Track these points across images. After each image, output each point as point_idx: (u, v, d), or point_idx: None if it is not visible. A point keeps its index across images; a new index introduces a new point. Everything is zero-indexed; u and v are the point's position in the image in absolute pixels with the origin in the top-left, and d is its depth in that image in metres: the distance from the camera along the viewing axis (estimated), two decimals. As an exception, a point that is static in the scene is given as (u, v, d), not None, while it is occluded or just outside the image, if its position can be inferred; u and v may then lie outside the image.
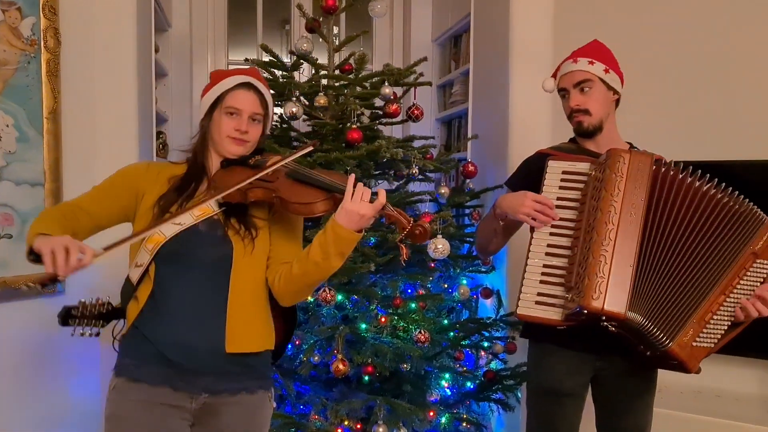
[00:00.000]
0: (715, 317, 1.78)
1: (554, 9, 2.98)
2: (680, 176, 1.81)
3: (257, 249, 1.67)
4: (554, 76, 2.07)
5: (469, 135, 3.26)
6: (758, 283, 1.80)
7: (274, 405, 1.84)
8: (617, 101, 2.03)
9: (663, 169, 1.81)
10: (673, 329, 1.75)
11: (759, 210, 1.82)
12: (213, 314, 1.63)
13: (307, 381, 2.51)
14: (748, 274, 1.79)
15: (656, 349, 1.77)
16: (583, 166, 1.89)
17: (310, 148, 1.78)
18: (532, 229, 1.92)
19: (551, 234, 1.87)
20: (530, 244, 1.90)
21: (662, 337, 1.75)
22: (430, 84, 2.97)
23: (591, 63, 1.96)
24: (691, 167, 1.82)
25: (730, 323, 1.80)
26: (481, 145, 3.19)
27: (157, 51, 3.37)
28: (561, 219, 1.87)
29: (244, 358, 1.65)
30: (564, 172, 1.90)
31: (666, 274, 1.78)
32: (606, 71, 1.96)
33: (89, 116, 2.62)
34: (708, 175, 1.83)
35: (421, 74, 2.86)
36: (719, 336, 1.79)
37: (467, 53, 3.48)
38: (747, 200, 1.82)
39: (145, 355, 1.62)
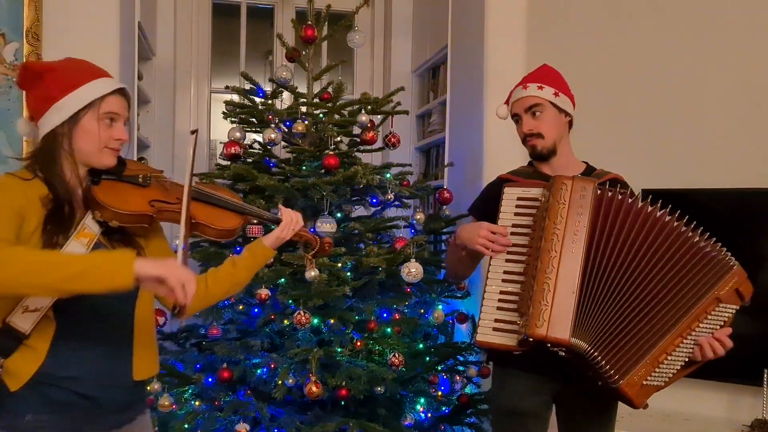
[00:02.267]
0: (669, 357, 1.78)
1: (527, 41, 3.08)
2: (628, 201, 1.81)
3: None
4: (507, 102, 2.13)
5: (446, 163, 3.33)
6: (718, 327, 1.80)
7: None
8: (570, 123, 2.09)
9: (609, 194, 1.82)
10: (625, 367, 1.76)
11: (728, 254, 1.82)
12: (121, 345, 1.54)
13: (282, 404, 2.52)
14: (709, 317, 1.79)
15: (606, 383, 1.79)
16: (536, 192, 1.91)
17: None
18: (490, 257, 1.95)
19: (507, 261, 1.89)
20: (488, 271, 1.93)
21: (613, 374, 1.76)
22: (406, 113, 3.04)
23: (540, 88, 2.01)
24: (641, 192, 1.85)
25: (684, 363, 1.81)
26: (458, 173, 3.26)
27: (140, 78, 3.43)
28: (516, 245, 1.89)
29: (142, 385, 1.61)
30: (519, 198, 1.93)
31: (614, 301, 1.78)
32: (556, 95, 2.01)
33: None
34: (650, 197, 1.84)
35: (399, 103, 2.93)
36: (671, 375, 1.80)
37: (445, 84, 3.57)
38: (715, 241, 1.82)
39: (54, 406, 1.44)
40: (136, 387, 1.58)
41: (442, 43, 3.57)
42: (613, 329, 1.77)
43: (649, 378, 1.78)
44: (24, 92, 1.53)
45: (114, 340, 1.52)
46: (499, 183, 2.07)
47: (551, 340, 1.73)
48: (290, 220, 1.69)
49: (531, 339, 1.74)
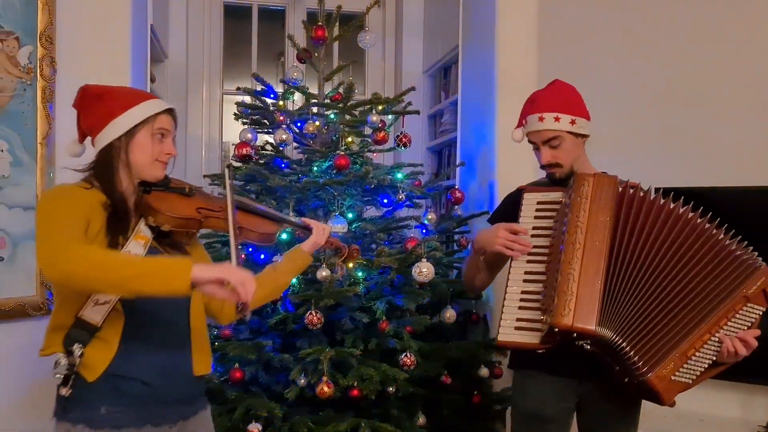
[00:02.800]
0: (697, 354, 1.77)
1: (538, 41, 3.07)
2: (650, 197, 1.83)
3: None
4: (520, 124, 2.11)
5: (457, 162, 3.32)
6: (745, 327, 1.80)
7: None
8: (586, 138, 2.07)
9: (630, 191, 1.84)
10: (654, 359, 1.75)
11: (755, 254, 1.82)
12: (180, 339, 1.65)
13: (293, 404, 2.52)
14: (737, 316, 1.78)
15: (634, 377, 1.78)
16: (556, 195, 1.95)
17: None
18: (511, 259, 1.95)
19: (528, 261, 1.91)
20: (509, 272, 1.94)
21: (641, 366, 1.75)
22: (418, 112, 3.04)
23: (557, 119, 1.97)
24: (662, 190, 1.85)
25: (711, 362, 1.80)
26: (469, 173, 3.25)
27: (153, 81, 3.45)
28: (537, 246, 1.90)
29: (202, 379, 1.72)
30: (538, 203, 1.96)
31: (640, 293, 1.78)
32: (572, 123, 1.98)
33: (71, 156, 2.66)
34: (672, 194, 1.84)
35: (410, 103, 2.93)
36: (698, 373, 1.79)
37: (456, 84, 3.56)
38: (740, 240, 1.83)
39: (125, 399, 1.54)
40: (197, 381, 1.69)
41: (453, 43, 3.57)
42: (639, 321, 1.77)
43: (677, 373, 1.77)
44: (77, 113, 1.67)
45: (174, 338, 1.64)
46: (518, 193, 2.08)
47: (577, 329, 1.71)
48: (321, 227, 1.91)
49: (557, 329, 1.73)
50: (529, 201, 1.98)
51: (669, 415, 2.60)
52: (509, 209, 2.07)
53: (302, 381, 2.39)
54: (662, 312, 1.78)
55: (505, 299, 1.90)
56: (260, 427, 2.41)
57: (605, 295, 1.76)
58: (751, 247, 1.84)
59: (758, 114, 2.64)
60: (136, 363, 1.55)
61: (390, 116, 2.92)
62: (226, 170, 1.75)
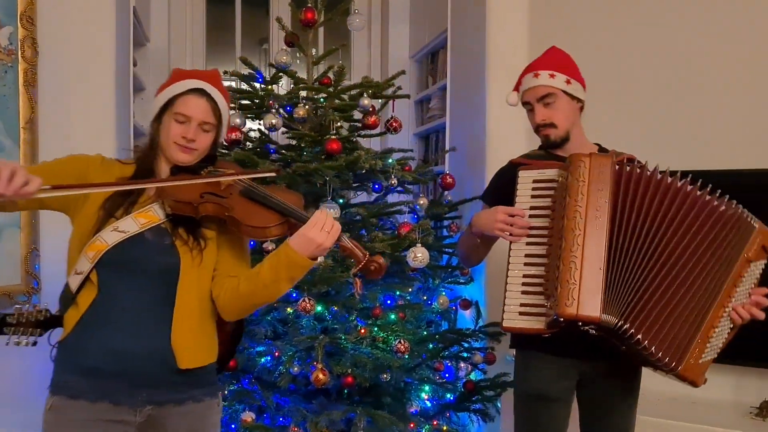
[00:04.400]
0: (716, 330, 1.77)
1: (529, 23, 3.05)
2: (647, 174, 1.81)
3: (205, 261, 1.62)
4: (516, 89, 2.09)
5: (447, 148, 3.29)
6: (753, 286, 1.80)
7: (222, 407, 1.81)
8: (581, 108, 2.06)
9: (627, 169, 1.81)
10: (679, 351, 1.74)
11: (746, 211, 1.81)
12: (157, 324, 1.58)
13: (287, 393, 2.50)
14: (743, 280, 1.79)
15: (662, 370, 1.79)
16: (552, 173, 1.89)
17: (272, 174, 1.79)
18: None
19: (528, 243, 1.87)
20: (509, 255, 1.91)
21: (668, 361, 1.74)
22: (408, 97, 3.00)
23: (552, 76, 1.97)
24: (658, 165, 1.82)
25: (729, 330, 1.81)
26: (459, 158, 3.23)
27: (135, 65, 3.37)
28: (536, 228, 1.87)
29: (191, 372, 1.62)
30: (535, 181, 1.91)
31: (645, 275, 1.76)
32: (568, 82, 1.98)
33: (66, 127, 2.60)
34: (668, 168, 1.82)
35: (399, 87, 2.89)
36: (720, 345, 1.81)
37: (444, 69, 3.53)
38: (734, 202, 1.81)
39: (82, 369, 1.55)
40: (180, 372, 1.59)
41: (442, 27, 3.53)
42: (646, 303, 1.74)
43: (703, 356, 1.77)
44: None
45: (148, 319, 1.58)
46: (511, 168, 2.04)
47: (582, 318, 1.70)
48: (318, 219, 1.54)
49: (561, 319, 1.72)
50: (525, 180, 1.92)
51: (662, 398, 2.63)
52: (503, 186, 2.02)
53: (296, 368, 2.36)
54: (669, 293, 1.75)
55: (507, 283, 1.88)
56: (253, 416, 2.38)
57: (608, 280, 1.74)
58: (741, 205, 1.82)
59: (756, 95, 2.65)
60: (93, 338, 1.56)
61: (379, 101, 2.88)
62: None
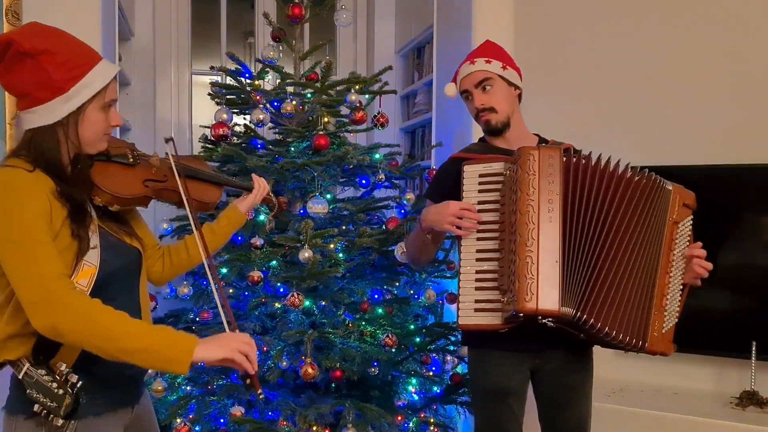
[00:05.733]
0: (669, 296, 1.84)
1: (515, 20, 3.06)
2: (592, 164, 1.83)
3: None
4: (454, 80, 2.12)
5: (433, 143, 3.31)
6: (687, 243, 1.88)
7: None
8: (519, 96, 2.09)
9: (574, 159, 1.82)
10: (641, 330, 1.79)
11: (663, 179, 1.87)
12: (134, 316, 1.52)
13: (275, 387, 2.51)
14: (676, 241, 1.86)
15: (630, 351, 1.83)
16: (498, 166, 1.89)
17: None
18: (459, 237, 1.91)
19: (478, 239, 1.87)
20: (460, 252, 1.90)
21: (633, 341, 1.79)
22: (395, 92, 3.02)
23: (488, 62, 2.01)
24: (600, 154, 1.84)
25: (680, 291, 1.88)
26: (445, 153, 3.24)
27: (120, 60, 3.35)
28: (486, 222, 1.87)
29: None
30: (481, 175, 1.90)
31: (597, 262, 1.80)
32: (504, 68, 2.02)
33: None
34: (610, 156, 1.85)
35: (386, 83, 2.90)
36: (677, 308, 1.87)
37: (430, 64, 3.54)
38: (648, 171, 1.85)
39: (99, 384, 1.43)
40: None
41: (428, 22, 3.54)
42: (603, 293, 1.78)
43: (664, 324, 1.83)
44: None
45: (135, 313, 1.48)
46: (452, 163, 2.04)
47: (542, 312, 1.72)
48: (260, 187, 1.81)
49: (521, 314, 1.73)
50: (471, 174, 1.91)
51: (645, 389, 2.68)
52: (447, 182, 2.01)
53: (284, 363, 2.37)
54: (618, 276, 1.80)
55: (460, 281, 1.87)
56: (242, 410, 2.40)
57: (564, 272, 1.76)
58: (653, 173, 1.87)
59: (728, 92, 2.70)
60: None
61: (366, 96, 2.89)
62: (167, 145, 1.62)
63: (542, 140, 2.10)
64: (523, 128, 2.10)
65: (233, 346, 1.31)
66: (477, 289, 1.84)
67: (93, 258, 1.38)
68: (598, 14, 2.97)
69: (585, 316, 1.76)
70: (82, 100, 1.36)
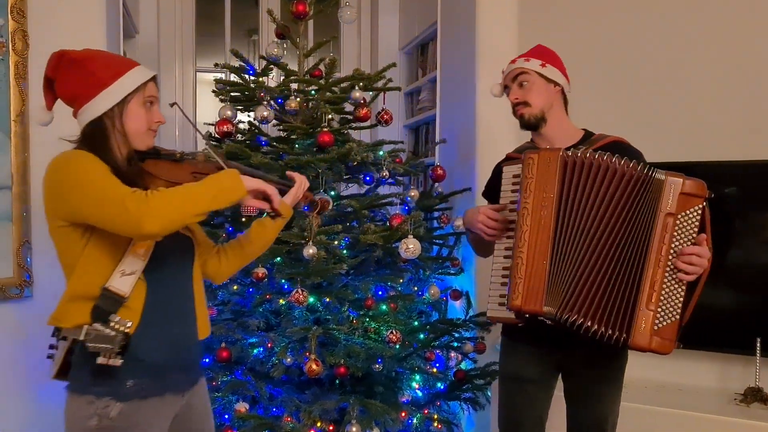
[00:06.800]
0: (664, 291, 1.77)
1: (519, 15, 3.06)
2: (587, 157, 1.83)
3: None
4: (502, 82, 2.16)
5: (437, 140, 3.31)
6: (693, 235, 1.77)
7: None
8: (564, 95, 2.10)
9: (572, 157, 1.84)
10: (624, 324, 1.78)
11: (657, 170, 1.80)
12: (189, 306, 1.66)
13: (280, 383, 2.51)
14: (675, 235, 1.77)
15: (615, 345, 1.81)
16: None
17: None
18: None
19: (507, 237, 1.95)
20: (494, 249, 1.99)
21: (617, 334, 1.78)
22: (399, 89, 3.02)
23: (527, 60, 2.06)
24: (603, 152, 1.83)
25: (684, 289, 1.78)
26: (449, 150, 3.25)
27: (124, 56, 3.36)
28: (514, 222, 1.92)
29: (201, 344, 1.73)
30: (514, 176, 1.96)
31: (583, 260, 1.81)
32: (542, 65, 2.04)
33: (57, 120, 2.58)
34: (615, 154, 1.83)
35: (390, 80, 2.91)
36: (680, 306, 1.78)
37: (434, 61, 3.55)
38: (643, 164, 1.82)
39: (149, 369, 1.53)
40: (199, 347, 1.71)
41: (431, 19, 3.54)
42: (587, 289, 1.80)
43: (657, 321, 1.77)
44: (51, 80, 1.57)
45: (184, 305, 1.65)
46: (503, 161, 2.13)
47: (527, 311, 1.82)
48: (299, 180, 1.84)
49: (512, 311, 1.84)
50: (507, 175, 1.99)
51: (649, 385, 2.68)
52: (494, 181, 2.12)
53: (289, 359, 2.38)
54: (602, 272, 1.80)
55: (491, 276, 1.97)
56: (247, 406, 2.40)
57: (551, 272, 1.82)
58: (649, 165, 1.82)
59: (739, 87, 2.70)
60: (157, 331, 1.55)
61: (370, 93, 2.89)
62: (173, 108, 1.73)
63: (588, 134, 2.09)
64: (566, 125, 2.10)
65: (263, 183, 1.56)
66: (502, 284, 1.93)
67: None
68: (602, 11, 2.96)
69: (567, 314, 1.80)
70: (124, 93, 1.53)
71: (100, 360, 1.45)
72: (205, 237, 1.85)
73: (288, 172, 1.89)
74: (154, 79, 1.62)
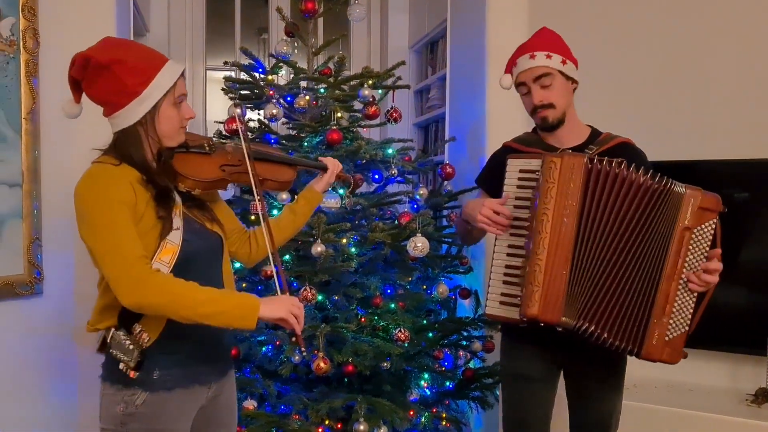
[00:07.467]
0: (676, 304, 1.78)
1: (529, 13, 3.05)
2: (615, 171, 1.79)
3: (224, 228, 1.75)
4: (508, 71, 2.08)
5: (447, 138, 3.30)
6: (706, 250, 1.78)
7: None
8: (575, 88, 2.06)
9: (597, 167, 1.79)
10: (638, 337, 1.78)
11: (676, 183, 1.79)
12: None
13: (288, 381, 2.52)
14: (691, 248, 1.78)
15: (627, 355, 1.82)
16: (536, 163, 1.87)
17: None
18: None
19: (511, 234, 1.89)
20: (495, 245, 1.94)
21: (630, 347, 1.79)
22: (408, 87, 3.01)
23: (549, 57, 1.96)
24: (624, 162, 1.81)
25: (695, 301, 1.80)
26: (459, 148, 3.24)
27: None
28: (519, 219, 1.88)
29: (231, 336, 1.77)
30: (521, 171, 1.90)
31: (603, 272, 1.79)
32: (563, 62, 1.97)
33: (67, 117, 2.60)
34: (642, 167, 1.81)
35: (400, 78, 2.90)
36: (689, 317, 1.80)
37: (444, 58, 3.54)
38: (666, 177, 1.80)
39: (176, 361, 1.57)
40: (228, 338, 1.75)
41: (441, 17, 3.54)
42: (605, 300, 1.79)
43: (668, 332, 1.78)
44: (78, 80, 1.54)
45: None
46: (503, 152, 2.06)
47: (544, 321, 1.78)
48: (334, 163, 1.89)
49: (525, 318, 1.79)
50: (513, 168, 1.92)
51: (660, 385, 2.66)
52: (495, 173, 2.03)
53: (297, 358, 2.38)
54: (619, 285, 1.80)
55: (491, 272, 1.92)
56: (255, 404, 2.41)
57: (571, 282, 1.78)
58: (670, 179, 1.80)
59: (752, 85, 2.67)
60: (185, 333, 1.55)
61: (379, 91, 2.89)
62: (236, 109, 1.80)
63: (596, 132, 2.07)
64: (576, 122, 2.06)
65: (287, 308, 1.51)
66: (504, 282, 1.89)
67: (175, 237, 1.53)
68: (613, 7, 2.94)
69: (586, 325, 1.79)
70: (155, 99, 1.52)
71: (121, 366, 1.52)
72: (235, 223, 1.85)
73: (320, 158, 1.93)
74: (182, 73, 1.59)
